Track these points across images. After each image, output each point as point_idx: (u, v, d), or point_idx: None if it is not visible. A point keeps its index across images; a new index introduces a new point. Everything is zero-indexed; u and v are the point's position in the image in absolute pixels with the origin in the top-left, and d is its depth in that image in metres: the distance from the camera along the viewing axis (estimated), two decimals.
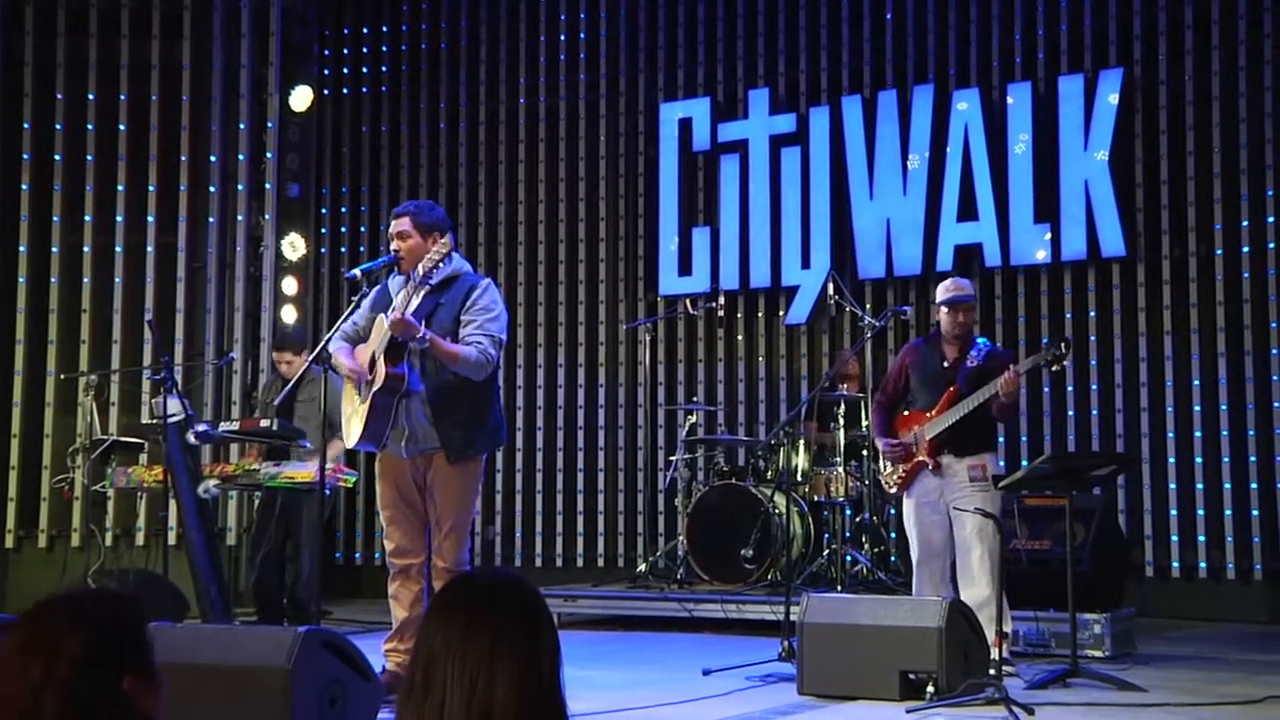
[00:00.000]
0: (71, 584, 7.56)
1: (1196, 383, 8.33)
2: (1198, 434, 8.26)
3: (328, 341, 5.13)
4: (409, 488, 5.18)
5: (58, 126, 9.51)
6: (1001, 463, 6.76)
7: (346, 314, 5.27)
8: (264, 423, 6.85)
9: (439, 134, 10.25)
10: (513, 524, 9.82)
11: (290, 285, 9.57)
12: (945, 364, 6.03)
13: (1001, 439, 8.23)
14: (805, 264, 9.19)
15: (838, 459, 7.77)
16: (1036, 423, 8.65)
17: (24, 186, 9.46)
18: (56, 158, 9.49)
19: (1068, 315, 8.63)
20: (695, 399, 9.23)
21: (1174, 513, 8.29)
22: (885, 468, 6.17)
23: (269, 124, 9.68)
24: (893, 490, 6.12)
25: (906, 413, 6.15)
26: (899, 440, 6.07)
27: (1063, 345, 5.74)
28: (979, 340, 6.09)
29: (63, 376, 8.91)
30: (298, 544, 7.38)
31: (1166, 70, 8.56)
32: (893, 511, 8.24)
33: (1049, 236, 8.59)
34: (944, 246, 8.79)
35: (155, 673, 1.88)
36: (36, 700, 1.78)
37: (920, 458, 5.99)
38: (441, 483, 5.12)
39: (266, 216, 9.63)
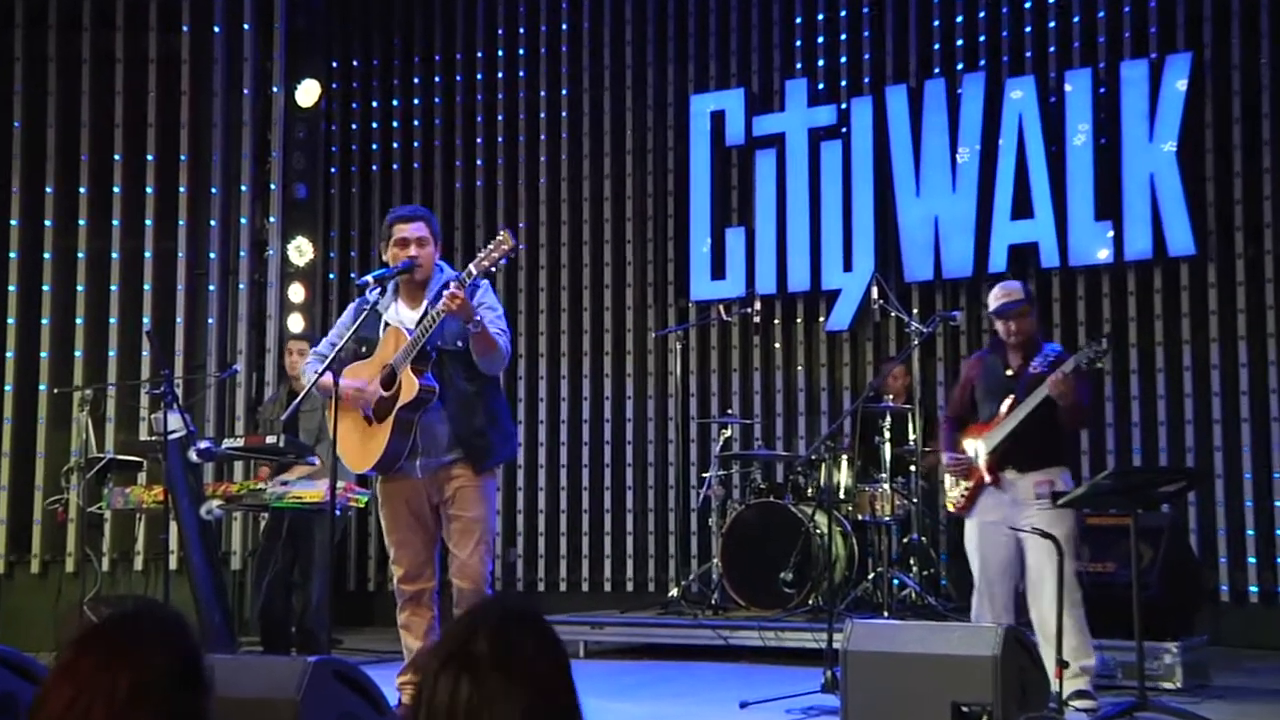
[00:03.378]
0: (67, 611, 7.61)
1: (1274, 391, 8.27)
2: (1276, 447, 8.20)
3: (327, 367, 5.13)
4: (421, 508, 5.22)
5: (50, 125, 9.58)
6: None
7: (337, 339, 5.28)
8: (270, 439, 6.89)
9: (455, 129, 10.28)
10: (535, 546, 9.82)
11: (297, 292, 9.63)
12: (1009, 372, 6.00)
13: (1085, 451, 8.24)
14: (847, 266, 9.17)
15: (883, 475, 7.75)
16: (1098, 435, 8.60)
17: (14, 189, 9.54)
18: (48, 158, 9.56)
19: (1131, 319, 8.59)
20: (730, 411, 9.21)
21: (1250, 533, 8.22)
22: (949, 486, 6.14)
23: (274, 121, 9.75)
24: (958, 509, 6.08)
25: (973, 427, 6.10)
26: (962, 456, 6.03)
27: (1103, 340, 5.71)
28: (1047, 345, 6.05)
29: (56, 391, 8.97)
30: (306, 568, 7.40)
31: (1240, 53, 8.50)
32: (944, 530, 8.21)
33: (1111, 234, 8.55)
34: (997, 246, 8.75)
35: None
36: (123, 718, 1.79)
37: (981, 474, 5.96)
38: (463, 496, 5.16)
39: (272, 219, 9.69)
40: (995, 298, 6.02)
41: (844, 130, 9.27)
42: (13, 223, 9.53)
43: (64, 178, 9.58)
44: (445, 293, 4.91)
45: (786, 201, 9.37)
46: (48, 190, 9.54)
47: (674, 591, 8.32)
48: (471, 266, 4.99)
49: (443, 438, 5.13)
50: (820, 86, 9.47)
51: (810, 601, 7.64)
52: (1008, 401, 5.91)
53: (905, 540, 7.94)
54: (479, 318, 4.96)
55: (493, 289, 5.35)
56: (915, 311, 8.71)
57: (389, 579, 9.53)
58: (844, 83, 9.42)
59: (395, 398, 5.07)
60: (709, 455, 8.91)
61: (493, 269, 5.05)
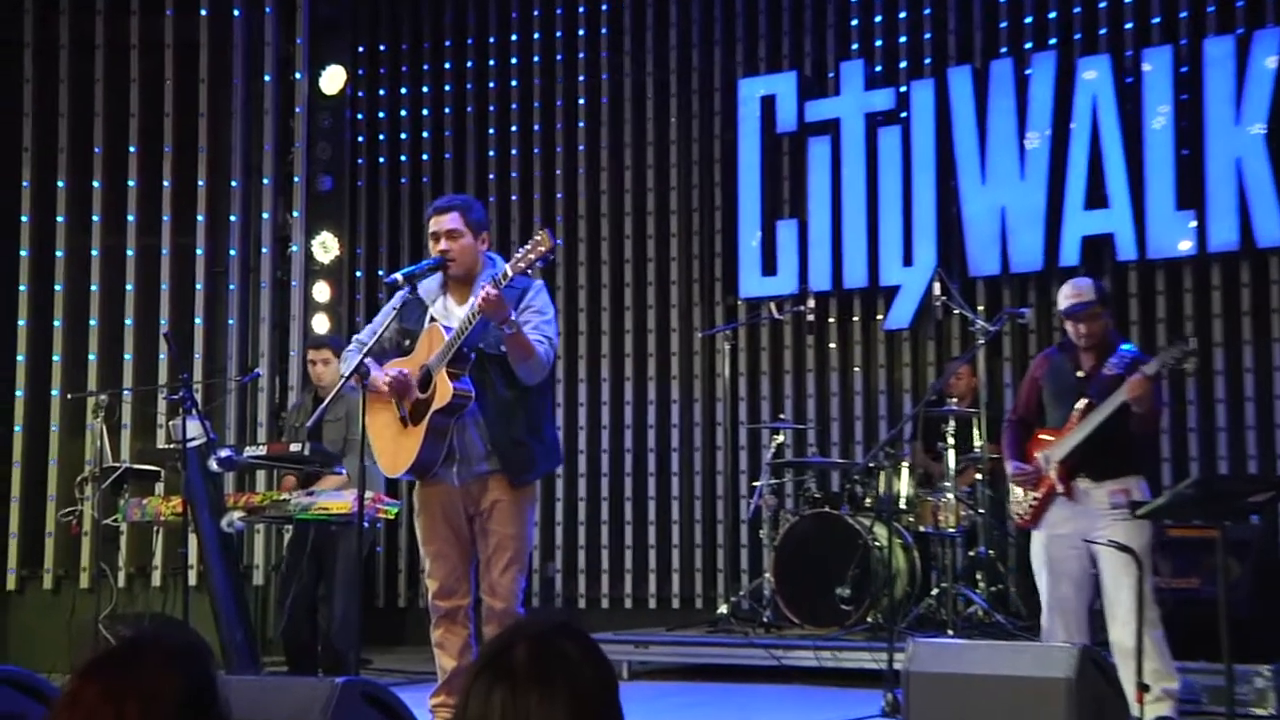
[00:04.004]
0: (81, 629, 7.67)
1: None
2: None
3: (365, 355, 5.16)
4: (458, 519, 5.23)
5: (61, 115, 9.67)
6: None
7: (377, 326, 5.30)
8: (294, 447, 6.92)
9: (489, 117, 10.30)
10: (575, 560, 9.83)
11: (322, 291, 9.67)
12: (1080, 374, 5.95)
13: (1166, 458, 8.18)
14: (907, 260, 9.14)
15: (947, 484, 7.71)
16: (1180, 440, 8.53)
17: (25, 183, 9.63)
18: (60, 150, 9.65)
19: (1216, 315, 8.51)
20: (782, 416, 9.19)
21: None
22: (1016, 496, 6.09)
23: (297, 109, 9.80)
24: (1024, 522, 6.03)
25: (1040, 433, 6.06)
26: (1029, 465, 5.99)
27: (1189, 341, 5.66)
28: (1122, 346, 5.99)
29: (69, 396, 9.03)
30: (333, 584, 7.43)
31: None
32: (1012, 542, 8.16)
33: (1193, 224, 8.47)
34: (1069, 238, 8.70)
35: None
36: None
37: (1051, 483, 5.91)
38: (499, 511, 5.17)
39: (295, 214, 9.74)
40: (1065, 297, 5.97)
41: (903, 115, 9.23)
42: (23, 219, 9.62)
43: (76, 171, 9.66)
44: (480, 297, 4.91)
45: (842, 192, 9.35)
46: (59, 184, 9.63)
47: (723, 608, 8.31)
48: (508, 267, 4.99)
49: (479, 446, 5.14)
50: (878, 69, 9.43)
51: (869, 619, 7.61)
52: (1080, 405, 5.86)
53: (971, 553, 7.90)
54: (514, 318, 4.95)
55: (547, 291, 5.33)
56: (980, 308, 8.68)
57: (421, 594, 9.66)
58: (903, 64, 9.38)
59: (430, 401, 5.08)
60: (760, 463, 8.89)
61: (529, 270, 5.04)
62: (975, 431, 7.85)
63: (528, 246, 4.96)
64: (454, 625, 5.26)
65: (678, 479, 9.71)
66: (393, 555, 10.13)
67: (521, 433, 5.19)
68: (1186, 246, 8.51)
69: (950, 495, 7.68)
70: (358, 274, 10.31)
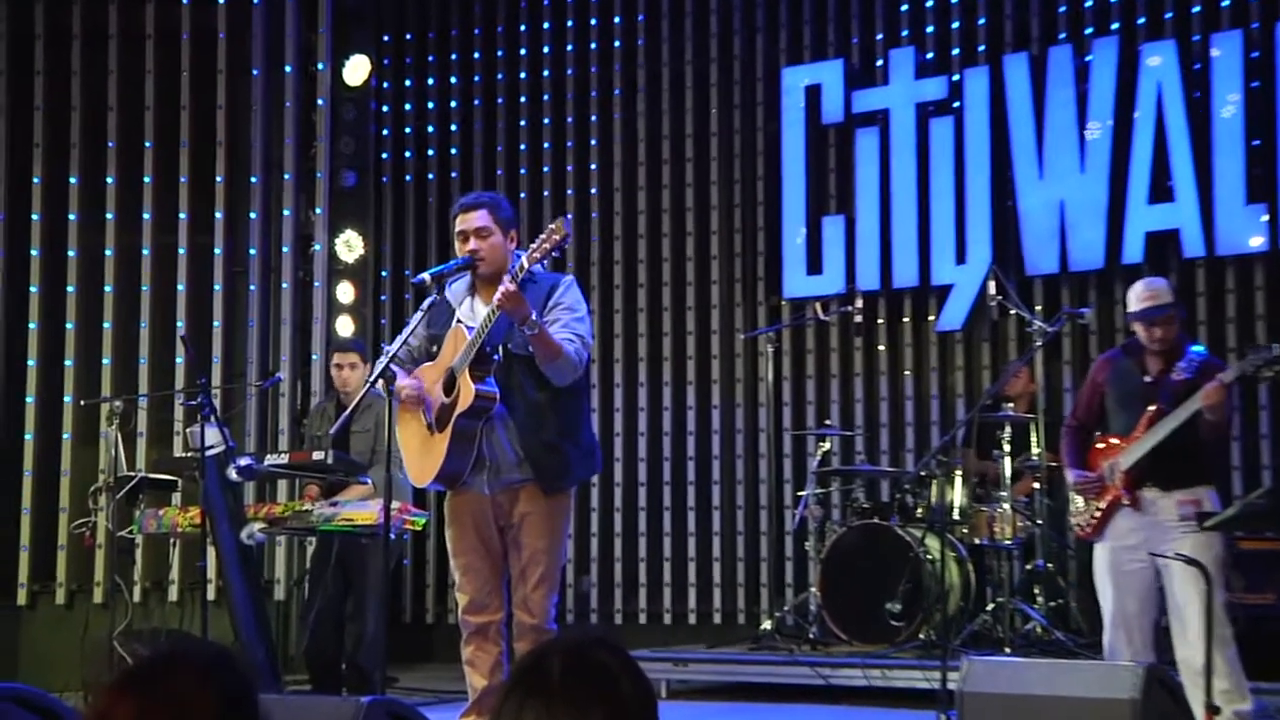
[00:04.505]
0: (95, 646, 7.71)
1: None
2: None
3: (389, 360, 5.18)
4: (489, 530, 5.24)
5: (74, 108, 9.73)
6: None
7: (405, 332, 5.31)
8: (317, 455, 6.94)
9: (519, 109, 10.32)
10: (610, 573, 9.84)
11: (346, 292, 9.70)
12: (1147, 379, 5.91)
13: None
14: (960, 258, 9.12)
15: (1003, 493, 7.69)
16: (1252, 447, 8.47)
17: (35, 180, 9.70)
18: (73, 145, 9.71)
19: None
20: (828, 422, 9.15)
21: None
22: (1076, 506, 6.07)
23: (319, 101, 9.83)
24: (1086, 534, 6.01)
25: (1101, 439, 6.03)
26: (1092, 473, 5.96)
27: (1272, 348, 5.62)
28: (1192, 348, 5.96)
29: (83, 403, 9.10)
30: (359, 599, 7.47)
31: None
32: (1073, 555, 8.13)
33: (1266, 219, 8.42)
34: (1132, 234, 8.66)
35: None
36: None
37: (1116, 493, 5.88)
38: (531, 522, 5.18)
39: (318, 211, 9.78)
40: (1139, 298, 5.92)
41: (956, 105, 9.22)
42: (34, 216, 9.69)
43: (89, 167, 9.72)
44: (500, 289, 4.92)
45: (891, 186, 9.33)
46: (72, 181, 9.69)
47: (767, 624, 8.32)
48: (524, 258, 4.99)
49: (510, 453, 5.15)
50: (929, 56, 9.41)
51: (921, 636, 7.61)
52: (1149, 412, 5.83)
53: (1029, 567, 7.88)
54: (535, 316, 4.95)
55: (579, 287, 5.33)
56: (1038, 308, 8.65)
57: (450, 610, 9.71)
58: (956, 51, 9.35)
59: (455, 405, 5.09)
60: (805, 471, 8.88)
61: (544, 261, 5.03)
62: (1033, 438, 7.82)
63: (542, 236, 4.97)
64: (485, 642, 5.26)
65: (719, 488, 9.70)
66: (420, 569, 10.15)
67: (554, 436, 5.18)
68: (1258, 242, 8.46)
69: (1006, 505, 7.65)
70: (383, 274, 10.35)
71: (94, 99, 9.76)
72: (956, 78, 9.26)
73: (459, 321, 5.24)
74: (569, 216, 5.05)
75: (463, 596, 5.31)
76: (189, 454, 7.33)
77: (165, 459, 8.49)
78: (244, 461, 6.90)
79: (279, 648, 8.68)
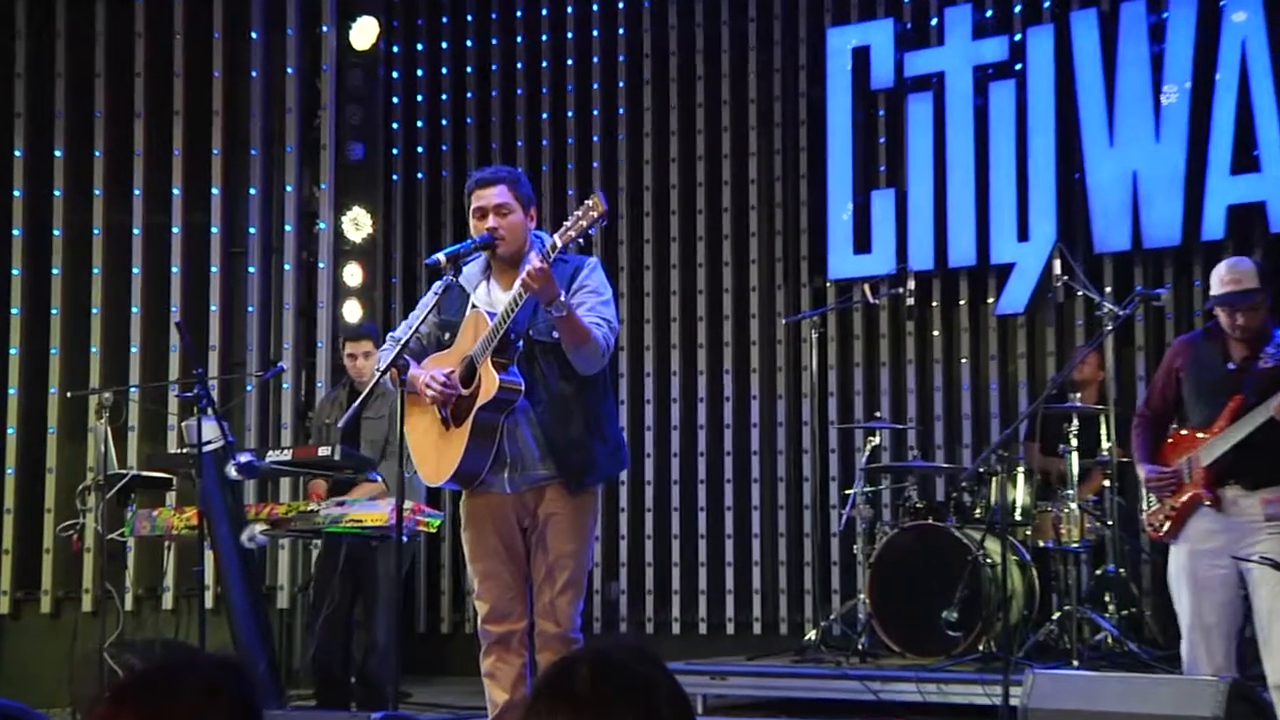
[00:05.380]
0: (84, 658, 7.75)
1: None
2: None
3: (401, 350, 5.17)
4: (511, 532, 5.24)
5: (59, 74, 9.75)
6: None
7: (416, 317, 5.31)
8: (324, 451, 6.95)
9: (541, 75, 10.32)
10: (641, 579, 9.86)
11: (354, 274, 9.71)
12: (1230, 366, 5.88)
13: None
14: (1022, 235, 9.11)
15: (1070, 491, 7.67)
16: None
17: (17, 152, 9.73)
18: (57, 114, 9.74)
19: None
20: (878, 415, 9.18)
21: None
22: (1149, 505, 6.04)
23: (324, 67, 9.84)
24: (1160, 535, 5.99)
25: (1177, 433, 6.00)
26: (1167, 469, 5.93)
27: None
28: (1278, 331, 5.92)
29: (69, 395, 9.13)
30: (369, 606, 7.49)
31: None
32: (1147, 559, 8.10)
33: None
34: (1212, 208, 8.63)
35: None
36: None
37: (1195, 491, 5.85)
38: (555, 524, 5.18)
39: (322, 186, 9.79)
40: (1221, 281, 5.88)
41: (1018, 67, 9.20)
42: (16, 193, 9.73)
43: (74, 138, 9.76)
44: (526, 269, 4.91)
45: (946, 156, 9.33)
46: (56, 153, 9.73)
47: (811, 634, 8.31)
48: (556, 238, 4.98)
49: (534, 448, 5.15)
50: (988, 14, 9.39)
51: (980, 648, 7.58)
52: (1232, 403, 5.79)
53: (1098, 571, 7.86)
54: (564, 299, 4.94)
55: (604, 269, 5.33)
56: (1108, 290, 8.64)
57: (467, 619, 9.74)
58: (1017, 9, 9.33)
59: (475, 397, 5.09)
60: (853, 468, 8.90)
61: (580, 239, 5.03)
62: (1102, 431, 7.80)
63: (578, 213, 4.96)
64: (507, 653, 5.26)
65: (758, 486, 9.71)
66: (435, 574, 10.18)
67: (580, 432, 5.18)
68: None
69: (1073, 504, 7.62)
70: (394, 255, 10.37)
71: (80, 64, 9.78)
72: (1018, 37, 9.24)
73: (475, 307, 5.23)
74: (603, 192, 5.01)
75: (482, 604, 5.30)
76: (185, 450, 7.36)
77: (159, 455, 8.49)
78: (244, 458, 6.92)
79: (282, 659, 8.72)
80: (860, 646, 7.97)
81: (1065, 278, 7.91)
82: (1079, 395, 8.00)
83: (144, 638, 8.13)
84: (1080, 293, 8.12)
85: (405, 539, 6.49)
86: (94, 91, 9.76)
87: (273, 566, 9.37)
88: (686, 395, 9.89)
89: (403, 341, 5.19)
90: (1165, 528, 5.95)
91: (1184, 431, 5.99)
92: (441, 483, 5.32)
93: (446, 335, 5.30)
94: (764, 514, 9.68)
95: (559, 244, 4.95)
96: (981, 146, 9.25)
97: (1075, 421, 7.69)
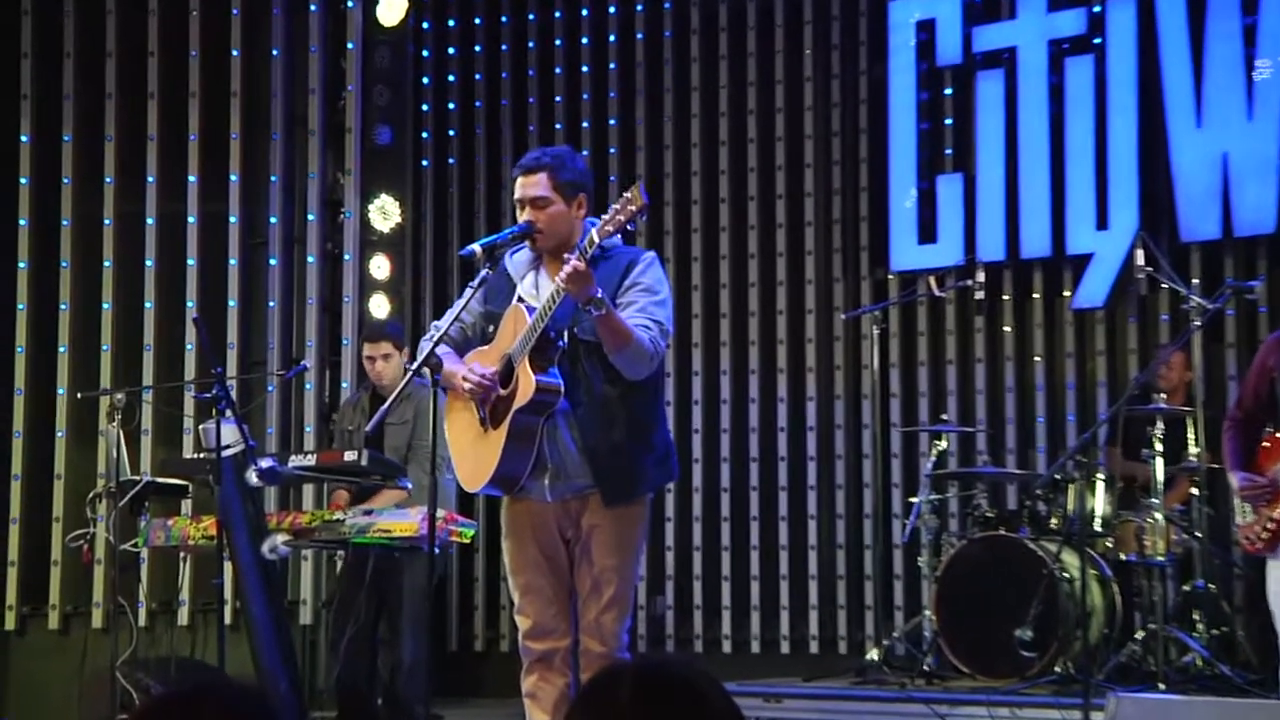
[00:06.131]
0: (94, 677, 7.76)
1: None
2: None
3: (439, 340, 5.15)
4: (553, 543, 5.22)
5: (67, 55, 9.77)
6: None
7: (455, 308, 5.29)
8: (349, 455, 6.94)
9: (580, 52, 10.31)
10: (689, 593, 9.85)
11: (381, 266, 9.72)
12: None
13: None
14: (1101, 223, 9.09)
15: (1154, 500, 7.61)
16: None
17: (23, 137, 9.75)
18: (66, 98, 9.76)
19: None
20: (944, 417, 9.15)
21: None
22: (1244, 516, 6.00)
23: (349, 45, 9.85)
24: (1257, 548, 5.96)
25: (1272, 436, 5.95)
26: (1262, 476, 5.88)
27: None
28: None
29: (79, 396, 9.12)
30: (396, 623, 7.49)
31: None
32: (1239, 573, 8.03)
33: None
34: None
35: None
36: None
37: None
38: (600, 535, 5.15)
39: (348, 172, 9.79)
40: None
41: (1097, 42, 9.18)
42: (22, 180, 9.73)
43: (84, 122, 9.76)
44: (564, 266, 4.88)
45: (1018, 138, 9.34)
46: (65, 139, 9.73)
47: (873, 654, 8.29)
48: (593, 231, 4.97)
49: (575, 454, 5.11)
50: None
51: (1057, 669, 7.55)
52: None
53: (1186, 587, 7.82)
54: (601, 296, 4.90)
55: (661, 267, 5.28)
56: (1196, 282, 8.58)
57: (503, 636, 9.74)
58: None
59: (512, 398, 5.06)
60: (917, 475, 8.86)
61: (618, 234, 5.01)
62: (1189, 435, 7.76)
63: (616, 206, 4.94)
64: (549, 672, 5.25)
65: (815, 494, 9.70)
66: (468, 588, 10.18)
67: (623, 438, 5.14)
68: None
69: (1158, 514, 7.58)
70: (424, 246, 10.37)
71: (90, 43, 9.79)
72: (1097, 9, 9.21)
73: (520, 300, 5.19)
74: (642, 183, 4.98)
75: (523, 620, 5.29)
76: (201, 455, 7.35)
77: (174, 461, 8.52)
78: (265, 463, 6.90)
79: (305, 679, 8.72)
80: (926, 667, 7.97)
81: (1148, 269, 7.88)
82: (1164, 396, 7.96)
83: (158, 656, 8.13)
84: (1165, 285, 8.10)
85: (436, 550, 6.47)
86: (105, 72, 9.77)
87: (295, 579, 9.38)
88: (737, 396, 9.88)
89: (441, 331, 5.17)
90: (1261, 541, 5.92)
91: (1278, 437, 5.96)
92: (479, 488, 5.29)
93: (491, 328, 5.27)
94: (821, 524, 9.67)
95: (596, 239, 4.93)
96: (1057, 127, 9.24)
97: (1160, 424, 7.65)
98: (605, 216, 4.97)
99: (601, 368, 5.11)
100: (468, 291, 5.27)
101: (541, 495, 5.15)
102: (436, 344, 5.13)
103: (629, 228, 5.03)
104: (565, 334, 5.10)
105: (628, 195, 4.94)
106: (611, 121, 10.22)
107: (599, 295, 4.89)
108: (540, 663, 5.25)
